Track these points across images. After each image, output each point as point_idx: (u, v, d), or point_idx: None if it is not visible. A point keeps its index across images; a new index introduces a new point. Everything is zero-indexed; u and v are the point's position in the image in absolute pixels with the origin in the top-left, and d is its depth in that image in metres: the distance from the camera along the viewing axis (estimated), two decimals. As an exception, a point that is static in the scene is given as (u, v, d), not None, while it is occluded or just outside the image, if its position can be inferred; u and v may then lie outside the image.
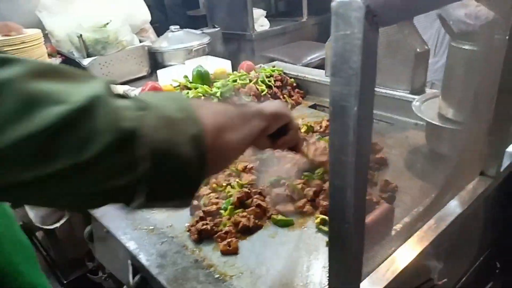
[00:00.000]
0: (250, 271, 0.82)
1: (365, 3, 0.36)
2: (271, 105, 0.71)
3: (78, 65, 1.95)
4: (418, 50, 1.35)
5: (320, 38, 3.38)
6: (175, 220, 0.99)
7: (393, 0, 0.38)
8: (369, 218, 0.65)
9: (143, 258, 0.87)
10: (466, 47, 0.97)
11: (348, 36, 0.37)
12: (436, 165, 1.07)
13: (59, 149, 0.36)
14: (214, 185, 1.03)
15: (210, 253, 0.87)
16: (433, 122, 1.07)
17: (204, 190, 1.03)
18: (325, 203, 0.94)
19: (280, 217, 0.92)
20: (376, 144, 1.20)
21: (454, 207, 0.75)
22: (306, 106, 1.62)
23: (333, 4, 0.38)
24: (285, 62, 2.95)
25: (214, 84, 1.50)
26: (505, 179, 0.88)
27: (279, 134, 0.74)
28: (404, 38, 1.33)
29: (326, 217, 0.91)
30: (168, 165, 0.43)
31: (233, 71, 1.80)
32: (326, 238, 0.88)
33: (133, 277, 0.97)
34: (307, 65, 2.87)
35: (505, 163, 0.85)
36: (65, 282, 1.86)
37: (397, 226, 0.73)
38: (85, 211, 1.10)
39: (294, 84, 1.70)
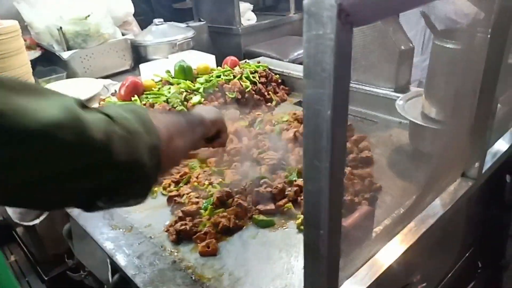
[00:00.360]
0: (229, 273, 0.80)
1: (337, 1, 0.34)
2: (209, 113, 0.84)
3: (58, 58, 1.90)
4: (402, 47, 1.34)
5: (308, 33, 3.35)
6: (154, 220, 0.97)
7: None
8: (348, 221, 0.64)
9: (119, 259, 0.85)
10: (449, 45, 0.96)
11: (321, 36, 0.36)
12: (419, 164, 1.06)
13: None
14: (195, 184, 1.00)
15: (189, 254, 0.85)
16: (416, 121, 1.06)
17: (184, 189, 1.01)
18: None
19: (261, 217, 0.91)
20: (362, 142, 1.19)
21: (434, 209, 0.74)
22: (291, 103, 1.60)
23: (304, 2, 0.36)
24: (272, 57, 2.92)
25: (197, 79, 1.47)
26: (488, 179, 0.87)
27: (214, 136, 0.87)
28: (389, 36, 1.32)
29: (307, 217, 0.90)
30: (131, 172, 0.50)
31: (217, 66, 1.77)
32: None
33: (112, 276, 0.95)
34: (294, 61, 2.85)
35: (487, 164, 0.84)
36: (46, 278, 1.83)
37: (377, 229, 0.72)
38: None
39: (279, 81, 1.68)
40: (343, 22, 0.35)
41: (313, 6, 0.35)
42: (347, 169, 1.05)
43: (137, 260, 0.84)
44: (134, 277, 0.80)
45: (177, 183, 1.06)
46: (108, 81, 1.81)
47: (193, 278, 0.79)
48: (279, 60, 2.88)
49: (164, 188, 1.06)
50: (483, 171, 0.82)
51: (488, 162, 0.85)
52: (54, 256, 1.73)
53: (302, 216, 0.90)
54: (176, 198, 0.99)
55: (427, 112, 1.08)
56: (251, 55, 3.04)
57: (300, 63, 2.64)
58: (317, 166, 0.41)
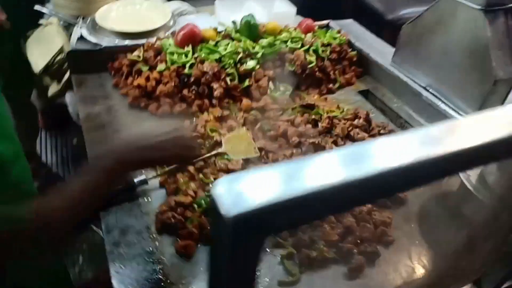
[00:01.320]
0: (190, 284, 0.79)
1: (236, 215, 0.25)
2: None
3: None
4: (501, 75, 1.09)
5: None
6: (156, 195, 0.97)
7: (280, 205, 0.26)
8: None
9: (104, 226, 0.87)
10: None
11: (220, 242, 0.28)
12: (449, 230, 0.92)
13: None
14: (201, 176, 0.96)
15: (168, 246, 0.86)
16: (466, 182, 0.90)
17: (183, 176, 0.97)
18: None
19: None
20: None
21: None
22: (356, 90, 1.42)
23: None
24: (375, 8, 2.60)
25: (260, 41, 1.35)
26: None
27: None
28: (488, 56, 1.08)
29: (295, 251, 0.84)
30: None
31: (306, 15, 1.57)
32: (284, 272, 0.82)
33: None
34: (399, 19, 2.51)
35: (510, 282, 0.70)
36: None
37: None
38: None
39: (354, 59, 1.48)
40: (243, 237, 0.26)
41: (213, 210, 0.27)
42: (368, 207, 0.94)
43: (119, 236, 0.86)
44: (108, 252, 0.83)
45: None
46: (185, 5, 1.73)
47: (159, 276, 0.80)
48: (382, 14, 2.57)
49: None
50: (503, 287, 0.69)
51: (514, 280, 0.70)
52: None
53: (291, 250, 0.85)
54: (169, 184, 0.96)
55: (487, 173, 0.91)
56: (355, 1, 2.72)
57: (403, 23, 2.33)
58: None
